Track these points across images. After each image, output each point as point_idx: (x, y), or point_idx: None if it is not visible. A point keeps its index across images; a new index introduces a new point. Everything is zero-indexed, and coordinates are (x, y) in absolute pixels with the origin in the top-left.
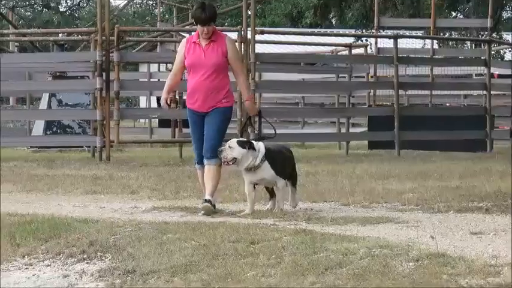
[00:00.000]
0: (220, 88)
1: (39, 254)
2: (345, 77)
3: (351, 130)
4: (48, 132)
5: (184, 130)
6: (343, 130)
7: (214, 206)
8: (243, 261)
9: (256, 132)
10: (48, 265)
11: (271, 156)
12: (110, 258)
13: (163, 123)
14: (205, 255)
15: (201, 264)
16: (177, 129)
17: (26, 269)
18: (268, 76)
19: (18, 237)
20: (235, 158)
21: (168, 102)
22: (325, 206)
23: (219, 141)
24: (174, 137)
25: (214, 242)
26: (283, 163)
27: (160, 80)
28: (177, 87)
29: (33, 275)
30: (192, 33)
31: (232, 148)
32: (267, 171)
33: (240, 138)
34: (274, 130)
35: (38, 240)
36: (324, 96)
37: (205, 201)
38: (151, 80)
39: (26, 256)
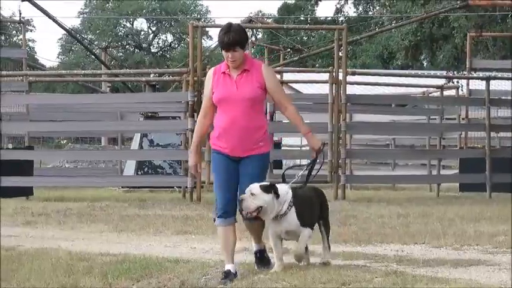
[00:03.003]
0: (257, 128)
1: None
2: (436, 118)
3: (442, 172)
4: (139, 173)
5: (275, 171)
6: (434, 172)
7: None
8: None
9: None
10: None
11: (298, 201)
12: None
13: None
14: None
15: None
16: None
17: None
18: (359, 117)
19: (111, 277)
20: (260, 207)
21: (199, 170)
22: (416, 248)
23: None
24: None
25: (305, 283)
26: (312, 211)
27: None
28: (208, 131)
29: None
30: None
31: (255, 195)
32: (291, 221)
33: (263, 183)
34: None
35: (129, 279)
36: (414, 138)
37: (256, 256)
38: None
39: None
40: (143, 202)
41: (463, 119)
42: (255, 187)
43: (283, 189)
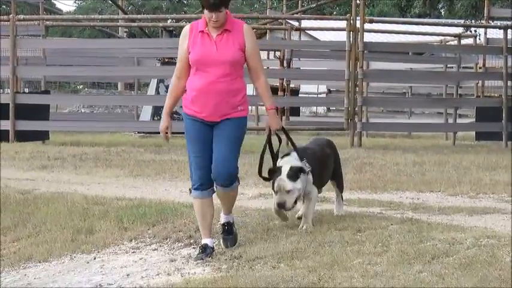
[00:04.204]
0: (235, 91)
1: (146, 238)
2: (453, 67)
3: (458, 121)
4: (155, 118)
5: (292, 118)
6: (450, 121)
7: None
8: (349, 249)
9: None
10: (155, 249)
11: (310, 162)
12: (216, 243)
13: None
14: (312, 242)
15: (307, 251)
16: (284, 117)
17: (133, 252)
18: (376, 65)
19: (126, 221)
20: (298, 196)
21: (168, 134)
22: (432, 196)
23: (235, 164)
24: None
25: (320, 229)
26: (322, 169)
27: (270, 67)
28: (182, 95)
29: (140, 259)
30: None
31: (291, 191)
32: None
33: (287, 171)
34: (297, 152)
35: (145, 224)
36: (431, 87)
37: (225, 228)
38: None
39: (133, 240)
40: (159, 148)
41: (480, 67)
42: (286, 185)
43: (295, 159)
